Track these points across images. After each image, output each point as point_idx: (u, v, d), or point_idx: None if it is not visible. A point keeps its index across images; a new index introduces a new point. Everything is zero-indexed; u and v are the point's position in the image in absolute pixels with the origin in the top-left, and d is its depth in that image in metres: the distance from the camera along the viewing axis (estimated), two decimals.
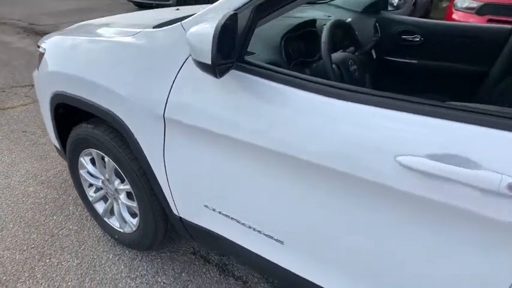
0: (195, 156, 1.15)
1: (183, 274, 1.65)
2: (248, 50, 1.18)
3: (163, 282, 1.61)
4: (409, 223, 0.80)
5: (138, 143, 1.28)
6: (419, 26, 2.07)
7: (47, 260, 1.70)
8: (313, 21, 1.37)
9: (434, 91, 2.03)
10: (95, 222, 1.90)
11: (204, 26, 0.86)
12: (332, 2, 2.25)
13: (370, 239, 0.87)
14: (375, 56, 2.08)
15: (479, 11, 4.68)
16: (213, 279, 1.63)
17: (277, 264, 1.12)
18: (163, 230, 1.55)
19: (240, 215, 1.14)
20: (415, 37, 2.08)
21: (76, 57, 1.46)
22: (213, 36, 0.79)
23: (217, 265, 1.70)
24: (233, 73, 1.01)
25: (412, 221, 0.79)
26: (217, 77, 0.87)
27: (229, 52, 0.89)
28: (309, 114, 0.89)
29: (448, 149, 0.72)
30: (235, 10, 0.95)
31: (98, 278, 1.62)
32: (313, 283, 1.06)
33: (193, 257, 1.75)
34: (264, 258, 1.15)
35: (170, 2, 7.62)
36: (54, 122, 1.71)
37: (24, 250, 1.76)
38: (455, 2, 5.02)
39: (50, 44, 1.63)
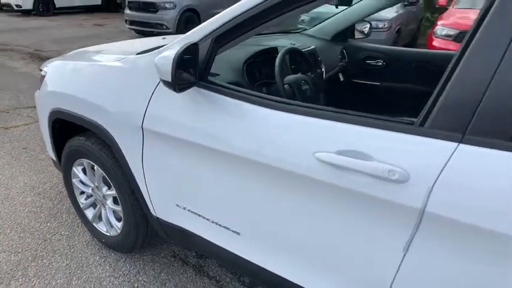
0: (167, 160, 1.36)
1: (162, 274, 1.81)
2: (215, 72, 1.42)
3: (144, 281, 1.77)
4: (327, 206, 0.99)
5: (121, 151, 1.49)
6: (381, 51, 2.32)
7: (39, 261, 1.87)
8: (274, 49, 1.61)
9: (397, 109, 2.26)
10: (85, 228, 2.08)
11: (168, 53, 1.09)
12: (304, 32, 2.51)
13: (300, 222, 1.06)
14: (342, 79, 2.32)
15: (456, 38, 5.01)
16: (189, 279, 1.79)
17: (235, 254, 1.30)
18: (144, 232, 1.73)
19: (204, 211, 1.34)
20: (378, 62, 2.33)
21: (72, 79, 1.70)
22: (173, 60, 1.02)
23: (194, 266, 1.87)
24: (198, 90, 1.23)
25: (328, 204, 0.99)
26: (177, 92, 1.10)
27: (190, 73, 1.11)
28: (252, 121, 1.10)
29: (351, 146, 0.92)
30: (198, 41, 1.19)
31: (84, 277, 1.78)
32: (266, 269, 1.24)
33: (173, 259, 1.91)
34: (224, 248, 1.33)
35: (170, 30, 8.04)
36: (51, 136, 1.93)
37: (19, 252, 1.93)
38: (435, 30, 5.36)
39: (50, 67, 1.87)
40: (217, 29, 1.17)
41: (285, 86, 1.47)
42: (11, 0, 11.87)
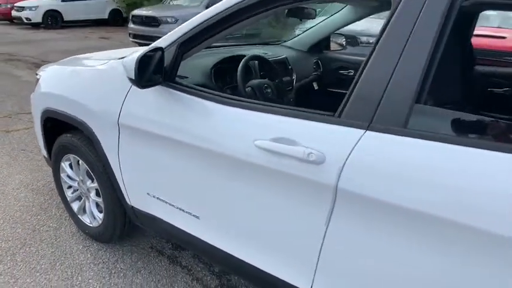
0: (138, 152, 1.52)
1: (139, 262, 1.95)
2: (184, 75, 1.59)
3: (121, 268, 1.91)
4: (264, 188, 1.15)
5: (101, 145, 1.66)
6: (352, 62, 2.50)
7: (27, 249, 2.02)
8: (242, 56, 1.79)
9: None
10: (72, 221, 2.23)
11: (134, 55, 1.27)
12: (284, 43, 2.70)
13: (243, 204, 1.21)
14: (316, 88, 2.49)
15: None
16: (163, 267, 1.93)
17: (196, 237, 1.44)
18: (121, 222, 1.88)
19: (170, 198, 1.49)
20: (349, 72, 2.50)
21: (61, 81, 1.89)
22: (136, 61, 1.20)
23: (169, 257, 2.00)
24: (166, 90, 1.41)
25: (265, 185, 1.14)
26: (140, 88, 1.27)
27: (156, 74, 1.29)
28: (207, 115, 1.27)
29: (283, 134, 1.08)
30: (165, 47, 1.37)
31: (67, 263, 1.93)
32: (221, 249, 1.38)
33: (150, 250, 2.05)
34: (187, 232, 1.47)
35: None
36: (43, 134, 2.11)
37: (9, 240, 2.08)
38: None
39: (44, 72, 2.06)
40: (181, 36, 1.36)
41: (248, 88, 1.64)
42: (22, 13, 12.34)
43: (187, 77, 1.60)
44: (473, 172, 0.83)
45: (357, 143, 0.96)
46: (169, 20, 8.49)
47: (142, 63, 1.22)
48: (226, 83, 1.78)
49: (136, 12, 9.25)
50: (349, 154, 0.96)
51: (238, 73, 1.65)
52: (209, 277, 1.87)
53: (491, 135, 0.89)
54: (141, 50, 1.28)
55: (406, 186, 0.90)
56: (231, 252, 1.33)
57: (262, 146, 1.11)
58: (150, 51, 1.24)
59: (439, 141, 0.87)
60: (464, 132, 0.90)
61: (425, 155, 0.89)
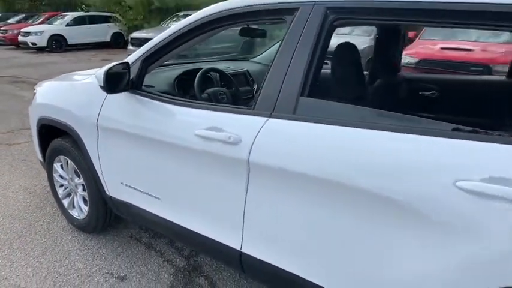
0: (113, 148, 1.85)
1: (119, 248, 2.25)
2: (151, 84, 1.94)
3: (103, 253, 2.21)
4: (203, 167, 1.47)
5: (84, 145, 1.99)
6: None
7: (23, 239, 2.33)
8: (199, 69, 2.14)
9: None
10: (63, 217, 2.54)
11: (104, 68, 1.62)
12: (253, 59, 3.07)
13: (188, 182, 1.53)
14: None
15: (417, 65, 5.56)
16: (139, 252, 2.22)
17: (156, 215, 1.75)
18: (103, 212, 2.18)
19: (138, 185, 1.81)
20: None
21: (53, 93, 2.24)
22: (104, 72, 1.55)
23: (146, 244, 2.30)
24: (134, 96, 1.75)
25: (203, 165, 1.46)
26: (108, 93, 1.62)
27: (122, 83, 1.63)
28: (163, 114, 1.61)
29: (215, 124, 1.41)
30: (132, 62, 1.72)
31: (56, 249, 2.23)
32: (181, 225, 1.68)
33: (130, 238, 2.36)
34: (152, 213, 1.78)
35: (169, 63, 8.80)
36: (38, 140, 2.45)
37: (8, 233, 2.39)
38: None
39: (40, 87, 2.43)
40: (144, 53, 1.71)
41: (204, 95, 1.98)
42: (28, 38, 13.00)
43: (153, 86, 1.94)
44: (337, 142, 1.15)
45: (262, 127, 1.29)
46: None
47: (110, 74, 1.56)
48: (187, 90, 2.13)
49: (135, 34, 9.81)
50: (256, 135, 1.29)
51: (195, 82, 2.00)
52: (179, 259, 2.17)
53: (355, 117, 1.20)
54: (111, 64, 1.63)
55: (295, 154, 1.22)
56: (183, 225, 1.64)
57: (199, 134, 1.43)
58: (117, 64, 1.60)
59: (316, 123, 1.20)
60: (333, 115, 1.22)
61: (306, 131, 1.21)
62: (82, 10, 15.36)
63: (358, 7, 1.21)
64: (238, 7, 1.48)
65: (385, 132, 1.08)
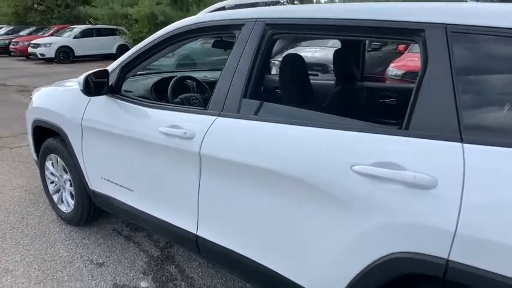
0: (95, 146, 2.08)
1: (101, 239, 2.46)
2: (130, 90, 2.17)
3: (86, 243, 2.41)
4: (165, 160, 1.68)
5: (71, 143, 2.23)
6: (275, 81, 3.07)
7: (15, 230, 2.55)
8: (172, 77, 2.38)
9: None
10: (53, 212, 2.76)
11: (84, 74, 1.85)
12: None
13: (153, 174, 1.75)
14: None
15: (403, 77, 5.77)
16: (119, 243, 2.42)
17: (130, 205, 1.96)
18: (87, 205, 2.40)
19: (114, 178, 2.02)
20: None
21: (47, 98, 2.49)
22: (83, 78, 1.79)
23: (125, 236, 2.51)
24: (113, 99, 1.98)
25: (165, 158, 1.68)
26: (87, 96, 1.85)
27: (99, 87, 1.87)
28: (136, 114, 1.83)
29: (175, 123, 1.63)
30: (112, 69, 1.96)
31: (44, 239, 2.44)
32: (149, 213, 1.88)
33: (112, 231, 2.56)
34: (126, 204, 1.99)
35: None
36: (33, 141, 2.69)
37: (1, 224, 2.62)
38: (386, 70, 6.20)
39: (36, 92, 2.68)
40: (121, 62, 1.96)
41: (177, 99, 2.21)
42: (37, 50, 13.50)
43: (131, 91, 2.18)
44: (269, 135, 1.37)
45: (211, 124, 1.51)
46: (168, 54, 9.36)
47: (88, 79, 1.80)
48: (163, 95, 2.37)
49: None
50: (207, 131, 1.51)
51: (169, 88, 2.24)
52: (154, 250, 2.36)
53: (283, 115, 1.41)
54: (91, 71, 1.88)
55: (237, 147, 1.43)
56: (151, 213, 1.84)
57: (162, 131, 1.65)
58: (96, 71, 1.84)
59: (255, 120, 1.42)
60: (268, 114, 1.43)
61: (247, 127, 1.43)
62: (90, 23, 15.91)
63: (289, 23, 1.44)
64: (200, 22, 1.72)
65: (303, 127, 1.29)
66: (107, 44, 14.47)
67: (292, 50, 6.88)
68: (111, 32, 14.93)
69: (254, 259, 1.47)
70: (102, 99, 2.00)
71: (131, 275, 2.13)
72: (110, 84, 1.95)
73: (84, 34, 14.28)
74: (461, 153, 0.99)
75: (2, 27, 18.99)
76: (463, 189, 0.97)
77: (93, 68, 1.96)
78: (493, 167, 0.96)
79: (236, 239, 1.52)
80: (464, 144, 1.00)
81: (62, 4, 20.39)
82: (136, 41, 14.11)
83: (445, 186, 0.99)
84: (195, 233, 1.66)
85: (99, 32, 14.67)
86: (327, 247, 1.23)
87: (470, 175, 0.97)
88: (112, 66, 2.01)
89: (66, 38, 14.16)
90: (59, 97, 2.39)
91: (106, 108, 1.99)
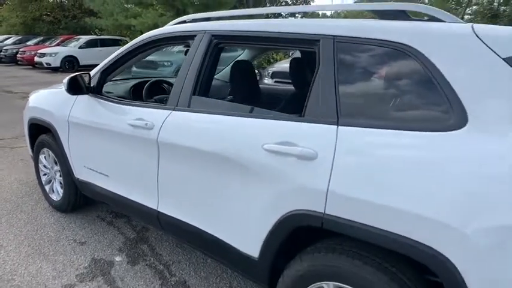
0: (79, 138, 2.42)
1: (85, 224, 2.78)
2: (110, 91, 2.52)
3: (72, 226, 2.74)
4: (132, 148, 2.01)
5: (60, 137, 2.57)
6: None
7: (10, 215, 2.88)
8: (147, 81, 2.72)
9: None
10: (46, 201, 3.09)
11: (68, 76, 2.20)
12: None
13: (124, 158, 2.07)
14: None
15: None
16: (101, 226, 2.74)
17: (106, 189, 2.29)
18: (74, 193, 2.73)
19: (94, 166, 2.35)
20: None
21: (41, 98, 2.85)
22: (67, 79, 2.13)
23: (108, 222, 2.83)
24: (94, 99, 2.32)
25: (132, 146, 2.00)
26: (70, 94, 2.20)
27: (81, 88, 2.22)
28: (112, 110, 2.17)
29: (140, 116, 1.96)
30: (94, 73, 2.32)
31: (35, 223, 2.77)
32: (120, 195, 2.21)
33: (96, 218, 2.88)
34: (104, 188, 2.32)
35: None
36: (29, 137, 3.04)
37: None
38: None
39: (33, 94, 3.04)
40: (102, 67, 2.31)
41: (152, 100, 2.56)
42: (43, 59, 14.04)
43: (112, 92, 2.53)
44: (211, 124, 1.69)
45: (167, 116, 1.84)
46: (165, 63, 9.78)
47: (71, 81, 2.15)
48: (140, 96, 2.72)
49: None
50: (163, 122, 1.84)
51: (144, 90, 2.58)
52: (131, 232, 2.68)
53: (222, 108, 1.74)
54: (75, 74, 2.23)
55: (186, 134, 1.75)
56: (122, 194, 2.17)
57: (129, 123, 1.99)
58: (79, 74, 2.19)
59: (201, 113, 1.74)
60: (211, 107, 1.76)
61: (194, 118, 1.76)
62: (96, 34, 16.50)
63: (229, 35, 1.78)
64: (165, 33, 2.07)
65: (233, 117, 1.62)
66: (111, 53, 14.87)
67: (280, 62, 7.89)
68: (115, 43, 15.46)
69: (200, 227, 1.78)
70: (85, 99, 2.35)
71: (108, 251, 2.44)
72: (92, 85, 2.30)
73: (89, 44, 14.83)
74: (335, 133, 1.31)
75: (10, 37, 19.70)
76: (333, 160, 1.28)
77: None
78: (355, 142, 1.28)
79: (186, 211, 1.83)
80: (338, 127, 1.32)
81: (69, 15, 21.13)
82: None
83: (322, 158, 1.31)
84: (156, 209, 1.98)
85: (104, 43, 15.20)
86: (249, 210, 1.54)
87: (339, 149, 1.28)
88: (94, 70, 2.37)
89: (72, 47, 14.71)
90: (51, 98, 2.74)
91: (88, 106, 2.34)
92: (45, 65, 14.05)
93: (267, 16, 16.02)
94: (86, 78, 2.26)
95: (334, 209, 1.28)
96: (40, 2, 22.18)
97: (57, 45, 15.72)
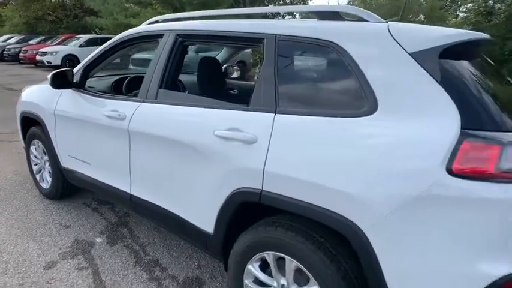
0: (64, 129, 2.62)
1: (72, 209, 2.99)
2: (92, 86, 2.72)
3: (59, 212, 2.95)
4: (110, 137, 2.20)
5: (47, 129, 2.78)
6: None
7: (3, 202, 3.09)
8: (137, 77, 2.93)
9: None
10: (37, 190, 3.30)
11: (52, 72, 2.40)
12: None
13: (103, 147, 2.28)
14: None
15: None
16: (85, 212, 2.95)
17: (88, 176, 2.49)
18: (61, 181, 2.93)
19: (77, 155, 2.56)
20: None
21: (32, 93, 3.06)
22: (51, 75, 2.34)
23: (93, 208, 3.04)
24: (78, 93, 2.52)
25: (109, 135, 2.20)
26: (54, 88, 2.40)
27: (63, 82, 2.42)
28: (94, 104, 2.37)
29: (115, 108, 2.16)
30: (77, 70, 2.52)
31: (26, 208, 2.98)
32: (99, 180, 2.41)
33: (82, 204, 3.10)
34: (85, 174, 2.52)
35: None
36: (21, 130, 3.26)
37: None
38: None
39: (25, 89, 3.25)
40: (84, 63, 2.51)
41: (131, 94, 2.75)
42: (44, 58, 14.31)
43: (94, 87, 2.73)
44: (173, 114, 1.88)
45: (137, 107, 2.04)
46: None
47: (54, 76, 2.36)
48: (121, 90, 2.92)
49: (135, 56, 10.85)
50: (133, 113, 2.04)
51: (124, 85, 2.79)
52: (113, 217, 2.89)
53: (183, 99, 1.93)
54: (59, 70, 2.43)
55: (152, 123, 1.95)
56: (100, 180, 2.37)
57: (105, 114, 2.19)
58: (63, 70, 2.39)
59: (167, 104, 1.94)
60: (175, 99, 1.95)
61: (160, 109, 1.95)
62: (96, 33, 16.75)
63: (191, 34, 1.98)
64: (139, 32, 2.27)
65: (192, 108, 1.82)
66: None
67: None
68: None
69: (165, 207, 1.98)
70: (69, 93, 2.55)
71: (90, 234, 2.65)
72: (75, 80, 2.51)
73: (89, 43, 15.05)
74: (272, 120, 1.50)
75: (13, 37, 20.01)
76: (269, 143, 1.47)
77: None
78: (287, 127, 1.47)
79: (154, 193, 2.03)
80: (276, 115, 1.51)
81: (71, 15, 21.41)
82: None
83: (260, 142, 1.50)
84: (129, 192, 2.18)
85: (103, 42, 15.06)
86: (204, 190, 1.73)
87: (274, 134, 1.47)
88: (77, 67, 2.57)
89: (72, 46, 14.96)
90: (40, 93, 2.95)
91: (72, 100, 2.54)
92: (46, 64, 14.30)
93: (265, 16, 16.20)
94: (70, 74, 2.46)
95: (269, 186, 1.47)
96: (43, 1, 22.49)
97: (58, 44, 15.99)
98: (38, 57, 14.70)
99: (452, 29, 1.46)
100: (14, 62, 16.90)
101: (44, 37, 18.60)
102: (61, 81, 2.41)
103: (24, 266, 2.26)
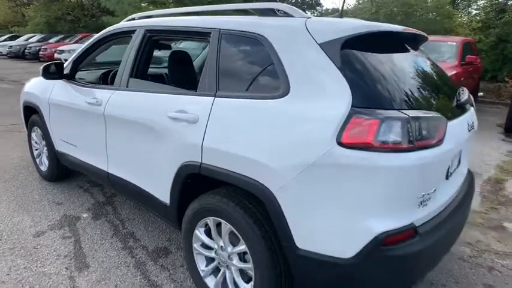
0: (57, 116, 2.93)
1: (65, 190, 3.31)
2: (82, 77, 3.03)
3: (55, 191, 3.27)
4: (91, 122, 2.49)
5: (43, 116, 3.10)
6: None
7: (7, 183, 3.44)
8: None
9: None
10: (37, 172, 3.64)
11: (44, 64, 2.71)
12: None
13: (88, 131, 2.56)
14: None
15: None
16: (78, 192, 3.27)
17: (76, 157, 2.79)
18: (56, 164, 3.25)
19: (67, 138, 2.86)
20: None
21: (33, 84, 3.39)
22: (43, 66, 2.64)
23: (85, 189, 3.35)
24: (69, 84, 2.83)
25: (90, 121, 2.48)
26: (44, 78, 2.71)
27: (54, 74, 2.72)
28: (82, 93, 2.66)
29: (95, 96, 2.44)
30: (66, 63, 2.82)
31: (26, 189, 3.32)
32: (84, 161, 2.70)
33: (76, 186, 3.41)
34: (73, 156, 2.82)
35: None
36: (24, 118, 3.60)
37: None
38: None
39: (28, 81, 3.60)
40: (74, 57, 2.81)
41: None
42: (61, 55, 14.92)
43: (83, 79, 3.03)
44: (140, 101, 2.14)
45: (111, 95, 2.31)
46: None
47: (44, 68, 2.66)
48: (107, 81, 3.21)
49: None
50: (108, 99, 2.31)
51: (109, 76, 3.08)
52: (101, 197, 3.19)
53: (148, 87, 2.19)
54: (50, 62, 2.73)
55: (122, 107, 2.22)
56: (85, 160, 2.66)
57: (87, 101, 2.48)
58: (53, 63, 2.69)
59: (135, 91, 2.20)
60: (143, 87, 2.21)
61: (130, 96, 2.22)
62: None
63: (158, 29, 2.24)
64: (118, 28, 2.54)
65: (152, 93, 2.08)
66: (123, 50, 15.72)
67: None
68: None
69: (133, 182, 2.24)
70: (61, 84, 2.86)
71: (78, 210, 2.95)
72: (65, 72, 2.81)
73: None
74: (211, 102, 1.74)
75: (35, 35, 20.90)
76: (207, 122, 1.71)
77: None
78: (221, 108, 1.70)
79: (124, 170, 2.31)
80: (215, 98, 1.75)
81: (88, 14, 22.15)
82: None
83: (201, 121, 1.74)
84: (106, 170, 2.46)
85: None
86: (160, 165, 1.99)
87: (212, 114, 1.71)
88: (68, 60, 2.87)
89: None
90: (38, 84, 3.27)
91: (63, 89, 2.85)
92: (64, 61, 14.86)
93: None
94: (59, 66, 2.76)
95: (207, 159, 1.71)
96: (62, 1, 23.35)
97: (76, 42, 16.62)
98: (56, 55, 15.35)
99: (365, 22, 1.65)
100: (34, 60, 17.67)
101: (62, 36, 19.35)
102: (51, 73, 2.72)
103: (17, 234, 2.58)
